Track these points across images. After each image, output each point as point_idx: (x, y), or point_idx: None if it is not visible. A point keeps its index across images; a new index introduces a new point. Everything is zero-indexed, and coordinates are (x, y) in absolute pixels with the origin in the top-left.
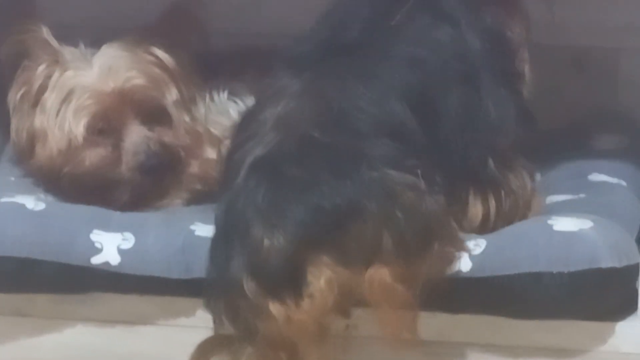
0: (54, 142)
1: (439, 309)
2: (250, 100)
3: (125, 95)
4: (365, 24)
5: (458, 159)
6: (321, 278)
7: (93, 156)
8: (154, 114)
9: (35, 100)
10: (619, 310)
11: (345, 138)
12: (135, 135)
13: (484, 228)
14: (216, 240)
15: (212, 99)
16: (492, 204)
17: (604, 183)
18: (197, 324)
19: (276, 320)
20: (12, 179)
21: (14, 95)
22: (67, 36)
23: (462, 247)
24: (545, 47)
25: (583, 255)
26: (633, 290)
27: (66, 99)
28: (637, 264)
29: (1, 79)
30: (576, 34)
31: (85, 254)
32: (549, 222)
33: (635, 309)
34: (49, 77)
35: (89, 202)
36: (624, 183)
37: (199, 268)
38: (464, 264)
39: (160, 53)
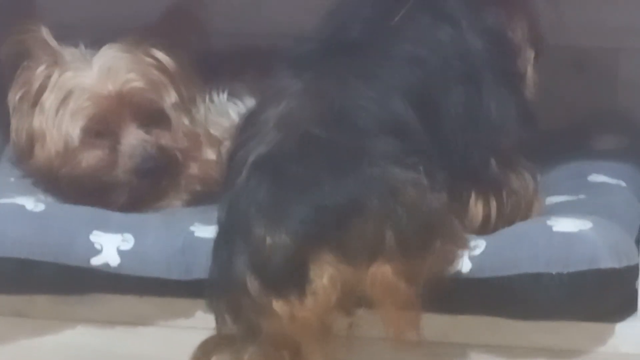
0: (51, 143)
1: (439, 310)
2: (250, 101)
3: (123, 98)
4: (366, 24)
5: (459, 159)
6: (324, 276)
7: (90, 158)
8: (152, 117)
9: (35, 101)
10: (619, 311)
11: (347, 135)
12: (132, 138)
13: (484, 229)
14: (219, 240)
15: (212, 100)
16: (494, 204)
17: (604, 184)
18: (197, 325)
19: (280, 318)
20: (12, 179)
21: (14, 96)
22: (67, 36)
23: (464, 245)
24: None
25: (583, 256)
26: (633, 291)
27: (65, 100)
28: (637, 264)
29: (1, 79)
30: (576, 34)
31: (84, 255)
32: (549, 222)
33: (635, 309)
34: (48, 77)
35: (87, 203)
36: (623, 184)
37: (199, 269)
38: (464, 265)
39: (160, 55)
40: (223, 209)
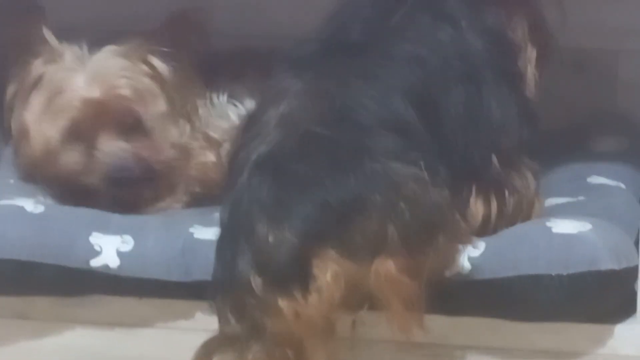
0: (34, 141)
1: (438, 312)
2: (250, 103)
3: (106, 105)
4: (366, 25)
5: (460, 158)
6: (328, 272)
7: (67, 161)
8: (133, 127)
9: (27, 97)
10: (618, 313)
11: (347, 133)
12: (109, 145)
13: (484, 228)
14: (221, 240)
15: (212, 102)
16: (494, 203)
17: (603, 185)
18: (197, 327)
19: (284, 316)
20: (12, 181)
21: (10, 91)
22: (75, 36)
23: (467, 239)
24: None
25: (582, 257)
26: (632, 293)
27: (51, 99)
28: (637, 266)
29: (3, 79)
30: (576, 35)
31: (84, 256)
32: (548, 224)
33: (635, 311)
34: (42, 75)
35: (71, 204)
36: (623, 185)
37: (199, 271)
38: (464, 267)
39: (156, 62)
40: (225, 209)
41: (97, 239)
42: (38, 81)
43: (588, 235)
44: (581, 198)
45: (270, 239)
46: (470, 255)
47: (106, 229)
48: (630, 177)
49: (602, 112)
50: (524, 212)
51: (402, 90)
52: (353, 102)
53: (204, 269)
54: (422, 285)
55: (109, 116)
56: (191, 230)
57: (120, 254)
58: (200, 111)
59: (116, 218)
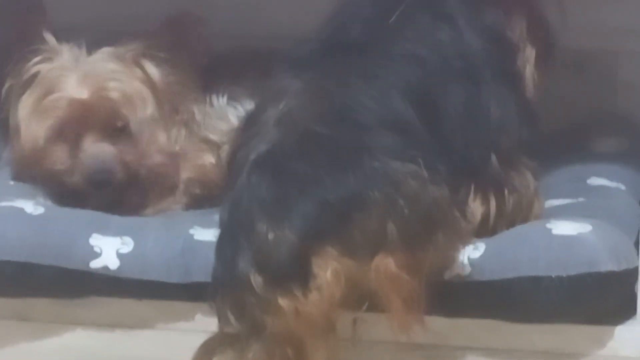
0: (24, 140)
1: (438, 313)
2: (249, 105)
3: (93, 106)
4: (366, 24)
5: (459, 157)
6: (328, 270)
7: (52, 161)
8: (120, 130)
9: (21, 93)
10: (618, 314)
11: (347, 132)
12: (93, 147)
13: (483, 227)
14: (221, 239)
15: (211, 104)
16: (493, 203)
17: (603, 187)
18: (197, 328)
19: (285, 314)
20: (11, 183)
21: (7, 89)
22: (75, 36)
23: (466, 237)
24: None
25: (582, 258)
26: (632, 294)
27: (42, 97)
28: (636, 267)
29: (3, 79)
30: (576, 35)
31: (84, 258)
32: (548, 225)
33: (634, 312)
34: (36, 74)
35: (62, 204)
36: (622, 187)
37: (198, 272)
38: (463, 268)
39: (150, 67)
40: (225, 208)
41: (97, 241)
42: (32, 80)
43: (588, 237)
44: (581, 199)
45: (270, 237)
46: (470, 256)
47: (106, 231)
48: (630, 178)
49: (602, 113)
50: (523, 211)
51: (402, 90)
52: (352, 101)
53: (203, 270)
54: (421, 283)
55: (94, 117)
56: (191, 231)
57: (120, 256)
58: (197, 115)
59: (116, 220)
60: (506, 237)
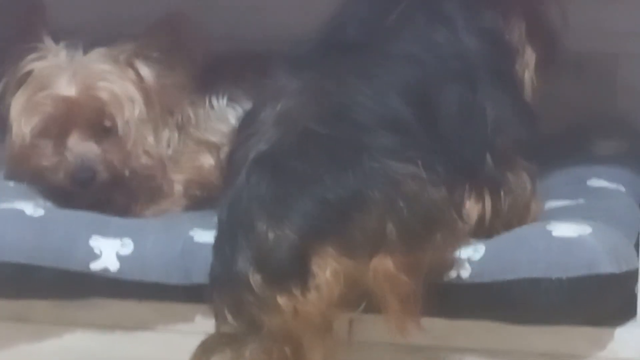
0: (14, 137)
1: (438, 314)
2: (249, 106)
3: (81, 105)
4: (363, 25)
5: (455, 157)
6: (327, 269)
7: (37, 158)
8: (107, 130)
9: (15, 91)
10: (618, 316)
11: (345, 131)
12: (77, 146)
13: (480, 227)
14: (219, 237)
15: (211, 106)
16: (488, 203)
17: (603, 188)
18: (196, 330)
19: (283, 312)
20: (11, 184)
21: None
22: (75, 36)
23: (464, 237)
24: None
25: (582, 260)
26: (632, 296)
27: (33, 95)
28: (636, 269)
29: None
30: (575, 38)
31: (84, 259)
32: (548, 227)
33: (635, 314)
34: (30, 72)
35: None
36: (622, 188)
37: (198, 274)
38: (463, 270)
39: (143, 68)
40: (224, 207)
41: (97, 242)
42: (26, 77)
43: (588, 239)
44: (581, 201)
45: (270, 236)
46: (470, 258)
47: (106, 232)
48: (630, 180)
49: (601, 115)
50: (519, 212)
51: (399, 90)
52: (350, 100)
53: (203, 271)
54: (420, 283)
55: (81, 116)
56: (191, 233)
57: (120, 257)
58: (193, 117)
59: (116, 221)
60: (506, 239)
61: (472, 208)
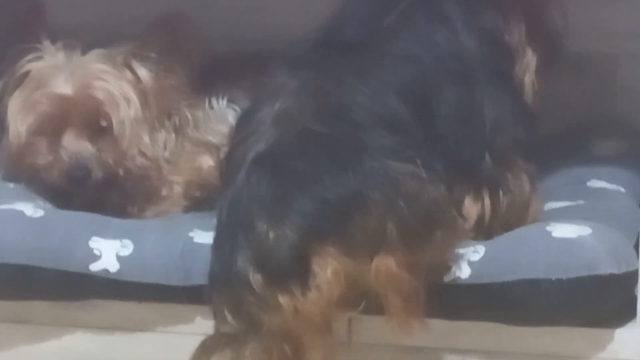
0: (11, 137)
1: (438, 316)
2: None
3: (77, 103)
4: (362, 24)
5: (453, 157)
6: (327, 269)
7: (33, 156)
8: (102, 130)
9: (13, 91)
10: (618, 317)
11: (345, 130)
12: (72, 144)
13: (479, 227)
14: (219, 237)
15: (211, 106)
16: (487, 203)
17: (603, 189)
18: (197, 331)
19: (283, 312)
20: (11, 185)
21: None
22: (75, 36)
23: (464, 235)
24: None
25: (582, 261)
26: (632, 297)
27: (30, 94)
28: (636, 270)
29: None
30: (575, 39)
31: (84, 260)
32: (548, 228)
33: (634, 315)
34: (28, 72)
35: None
36: (622, 189)
37: (198, 275)
38: (463, 271)
39: (140, 69)
40: (223, 207)
41: (97, 243)
42: (24, 78)
43: (588, 240)
44: (581, 202)
45: (271, 236)
46: (470, 259)
47: (106, 233)
48: (630, 180)
49: (601, 116)
50: (518, 212)
51: (398, 89)
52: (350, 100)
53: (203, 272)
54: (421, 281)
55: (77, 114)
56: (191, 234)
57: (119, 258)
58: (190, 119)
59: (116, 222)
60: (506, 240)
61: (471, 208)
